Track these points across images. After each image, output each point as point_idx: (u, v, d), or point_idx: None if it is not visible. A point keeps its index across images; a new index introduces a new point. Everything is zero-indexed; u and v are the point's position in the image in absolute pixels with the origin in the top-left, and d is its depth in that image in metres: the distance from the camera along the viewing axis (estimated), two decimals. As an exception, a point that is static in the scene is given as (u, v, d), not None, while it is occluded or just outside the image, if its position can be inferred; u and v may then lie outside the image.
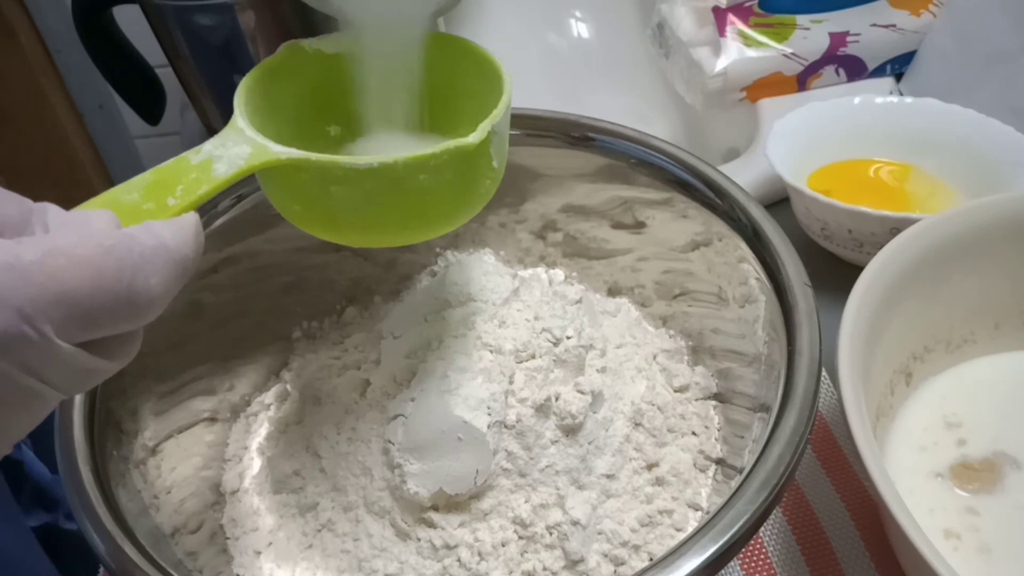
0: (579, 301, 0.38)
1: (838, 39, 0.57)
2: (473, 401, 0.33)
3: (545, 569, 0.33)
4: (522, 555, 0.33)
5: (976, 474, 0.36)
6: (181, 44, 0.57)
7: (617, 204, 0.42)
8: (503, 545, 0.33)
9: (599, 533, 0.34)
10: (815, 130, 0.52)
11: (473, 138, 0.27)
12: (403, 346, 0.36)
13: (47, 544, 0.49)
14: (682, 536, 0.30)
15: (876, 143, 0.52)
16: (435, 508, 0.34)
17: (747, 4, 0.57)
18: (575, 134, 0.41)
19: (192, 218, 0.22)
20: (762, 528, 0.37)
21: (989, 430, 0.38)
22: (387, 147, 0.31)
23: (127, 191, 0.23)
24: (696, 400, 0.39)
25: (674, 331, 0.43)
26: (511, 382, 0.34)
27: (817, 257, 0.50)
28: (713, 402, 0.39)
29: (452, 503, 0.34)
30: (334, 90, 0.32)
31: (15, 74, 1.08)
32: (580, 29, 0.72)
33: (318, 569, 0.35)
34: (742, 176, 0.46)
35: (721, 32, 0.57)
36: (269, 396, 0.42)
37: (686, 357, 0.42)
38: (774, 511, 0.32)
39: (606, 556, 0.34)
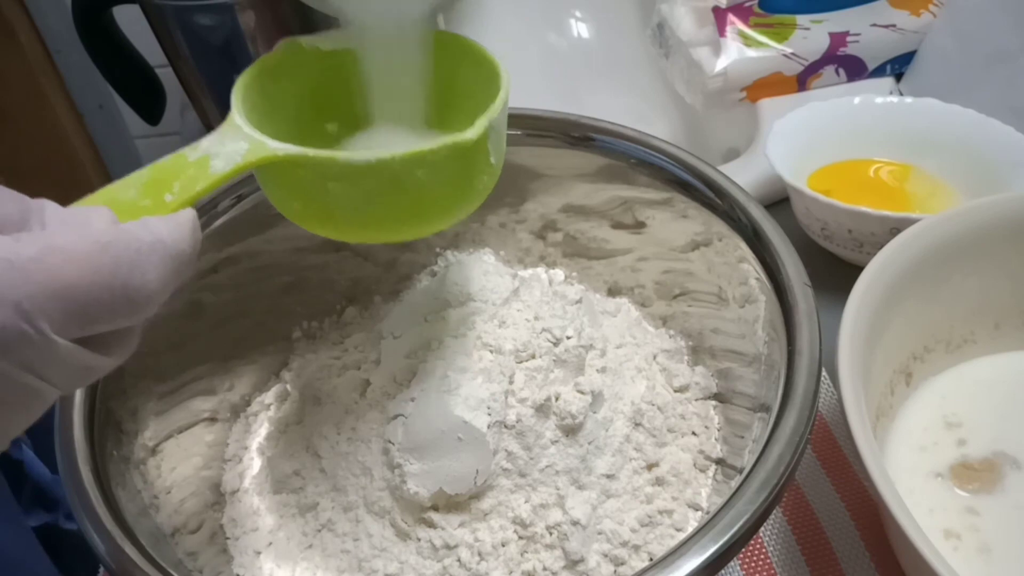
0: (579, 301, 0.38)
1: (838, 39, 0.57)
2: (473, 401, 0.33)
3: (545, 569, 0.33)
4: (522, 555, 0.33)
5: (976, 474, 0.36)
6: (181, 44, 0.57)
7: (617, 204, 0.42)
8: (503, 545, 0.33)
9: (599, 533, 0.34)
10: (815, 130, 0.52)
11: (470, 134, 0.27)
12: (403, 346, 0.36)
13: (47, 544, 0.49)
14: (682, 536, 0.30)
15: (876, 143, 0.52)
16: (435, 508, 0.34)
17: (747, 4, 0.57)
18: (575, 134, 0.41)
19: (189, 214, 0.22)
20: (762, 528, 0.37)
21: (989, 430, 0.38)
22: (386, 143, 0.31)
23: (124, 188, 0.23)
24: (696, 400, 0.39)
25: (674, 331, 0.43)
26: (511, 382, 0.34)
27: (817, 257, 0.50)
28: (713, 402, 0.39)
29: (452, 503, 0.34)
30: (332, 87, 0.32)
31: (15, 74, 1.07)
32: (580, 29, 0.72)
33: (318, 569, 0.35)
34: (742, 176, 0.46)
35: (721, 32, 0.57)
36: (269, 396, 0.42)
37: (686, 357, 0.42)
38: (774, 511, 0.32)
39: (606, 556, 0.33)
